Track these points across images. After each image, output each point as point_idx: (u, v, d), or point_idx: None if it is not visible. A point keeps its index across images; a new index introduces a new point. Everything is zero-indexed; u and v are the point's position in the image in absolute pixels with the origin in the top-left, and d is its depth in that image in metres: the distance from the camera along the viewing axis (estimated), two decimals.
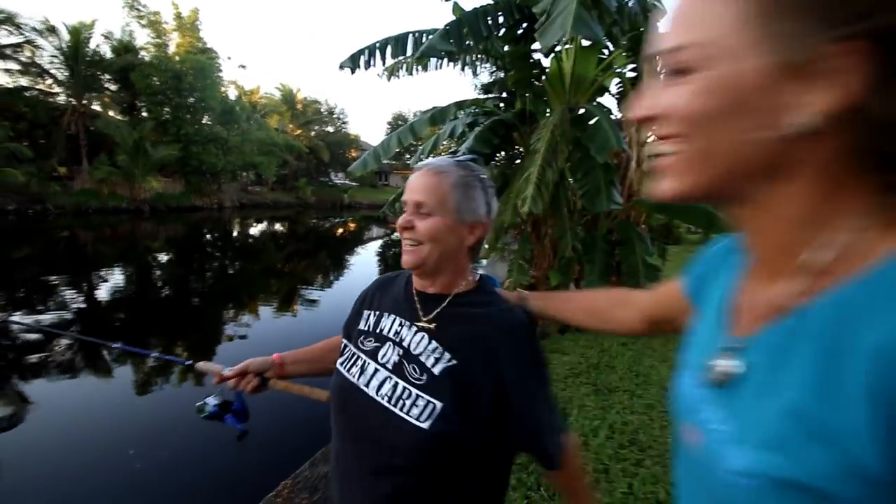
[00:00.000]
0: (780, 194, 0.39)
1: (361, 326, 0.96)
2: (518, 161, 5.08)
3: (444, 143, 5.33)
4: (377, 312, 0.96)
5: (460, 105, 5.23)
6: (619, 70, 4.83)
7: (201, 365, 1.15)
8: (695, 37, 0.38)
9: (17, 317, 6.49)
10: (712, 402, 0.45)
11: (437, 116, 5.16)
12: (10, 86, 21.27)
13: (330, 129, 42.75)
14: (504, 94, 5.64)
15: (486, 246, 5.69)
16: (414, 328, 0.88)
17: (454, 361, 0.80)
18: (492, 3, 3.89)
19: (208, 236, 19.27)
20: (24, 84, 21.89)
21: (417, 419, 0.77)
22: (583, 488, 0.90)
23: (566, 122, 3.78)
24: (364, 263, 14.33)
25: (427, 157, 4.49)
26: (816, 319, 0.38)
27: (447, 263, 0.88)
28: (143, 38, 26.02)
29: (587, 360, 3.94)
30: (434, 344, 0.84)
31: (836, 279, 0.38)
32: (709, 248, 0.64)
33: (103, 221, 19.77)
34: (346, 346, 0.98)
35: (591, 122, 3.79)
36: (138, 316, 7.43)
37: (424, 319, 0.88)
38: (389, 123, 42.88)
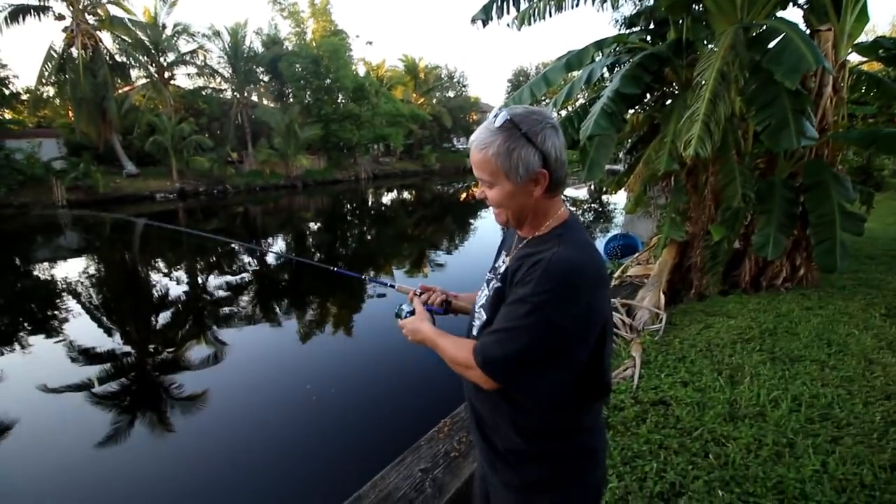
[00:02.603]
0: None
1: (494, 263, 1.16)
2: (669, 101, 4.47)
3: (582, 89, 4.92)
4: (500, 252, 1.17)
5: (599, 45, 4.73)
6: None
7: (401, 286, 1.41)
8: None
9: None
10: None
11: (572, 61, 4.75)
12: (192, 87, 25.80)
13: (451, 94, 43.12)
14: (651, 26, 4.96)
15: (634, 200, 5.23)
16: (505, 263, 1.06)
17: (499, 283, 1.00)
18: None
19: (350, 205, 21.37)
20: (201, 84, 26.29)
21: (472, 331, 1.09)
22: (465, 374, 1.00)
23: (741, 45, 3.16)
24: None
25: (560, 109, 4.19)
26: None
27: (526, 215, 0.99)
28: (285, 29, 28.95)
29: (760, 325, 3.44)
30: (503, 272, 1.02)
31: None
32: None
33: (266, 197, 23.20)
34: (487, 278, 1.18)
35: (776, 41, 3.10)
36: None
37: (510, 256, 1.05)
38: (510, 81, 41.46)
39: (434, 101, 40.38)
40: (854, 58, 4.33)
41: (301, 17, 28.49)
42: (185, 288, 8.11)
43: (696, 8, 4.11)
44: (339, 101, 28.96)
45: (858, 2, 3.98)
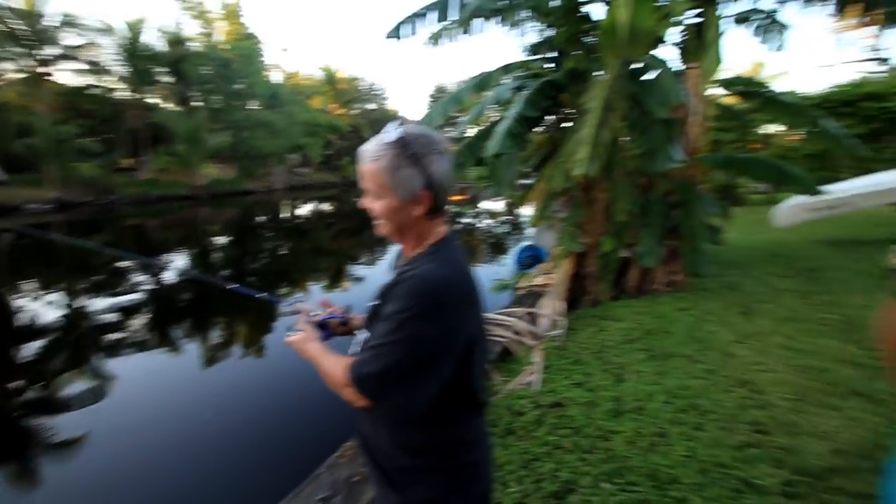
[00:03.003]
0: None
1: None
2: (567, 124, 4.87)
3: (490, 109, 5.19)
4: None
5: (507, 69, 5.05)
6: (678, 18, 4.46)
7: (298, 305, 1.35)
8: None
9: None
10: None
11: (483, 82, 5.02)
12: (79, 85, 22.85)
13: (371, 106, 42.96)
14: (553, 54, 5.38)
15: (536, 214, 5.58)
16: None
17: (377, 301, 1.00)
18: None
19: (261, 217, 20.21)
20: (92, 82, 23.42)
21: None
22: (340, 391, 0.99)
23: (622, 78, 3.56)
24: None
25: (472, 128, 4.42)
26: None
27: (406, 232, 1.02)
28: (192, 29, 26.95)
29: (642, 326, 3.82)
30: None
31: None
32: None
33: (166, 209, 21.14)
34: None
35: (650, 75, 3.54)
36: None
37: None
38: (431, 96, 42.38)
39: (354, 111, 39.93)
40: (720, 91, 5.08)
41: (209, 19, 26.73)
42: (60, 312, 7.06)
43: (588, 42, 4.55)
44: (251, 107, 27.50)
45: (717, 45, 4.69)
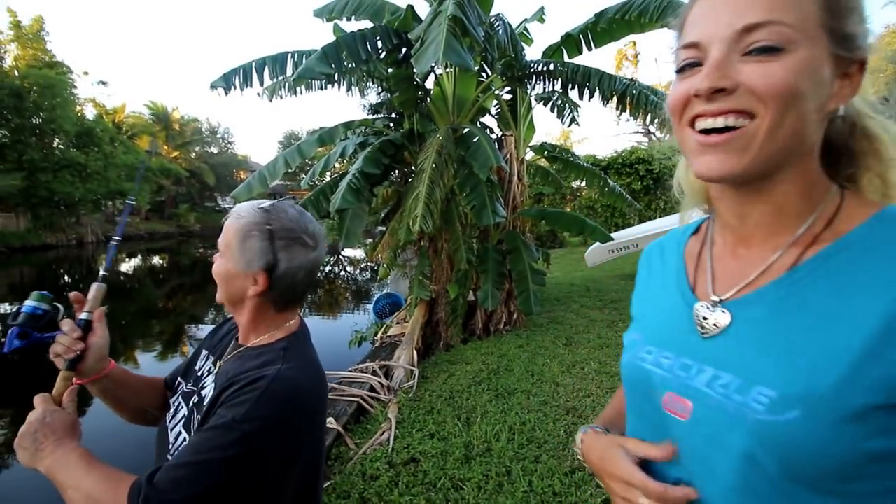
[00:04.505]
0: (794, 175, 0.49)
1: (195, 367, 1.01)
2: (410, 180, 5.19)
3: (337, 162, 5.25)
4: (208, 354, 1.01)
5: (348, 125, 5.22)
6: (496, 92, 5.22)
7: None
8: (788, 17, 0.44)
9: None
10: (707, 360, 0.51)
11: (324, 137, 5.09)
12: None
13: (214, 149, 39.50)
14: (393, 114, 5.75)
15: (386, 265, 5.70)
16: (213, 373, 0.94)
17: (204, 396, 0.87)
18: (370, 27, 3.96)
19: (66, 278, 16.51)
20: None
21: (165, 456, 0.86)
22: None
23: (450, 142, 3.97)
24: None
25: (321, 177, 4.40)
26: (815, 274, 0.47)
27: (240, 308, 0.90)
28: None
29: (488, 367, 4.10)
30: (212, 389, 0.88)
31: (822, 245, 0.48)
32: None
33: None
34: (179, 384, 1.02)
35: (473, 140, 4.02)
36: None
37: (219, 363, 0.94)
38: (281, 143, 40.85)
39: (193, 155, 36.17)
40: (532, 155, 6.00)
41: None
42: None
43: (423, 106, 4.98)
44: (53, 145, 22.84)
45: (528, 117, 5.59)
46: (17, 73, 21.57)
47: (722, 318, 0.51)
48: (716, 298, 0.53)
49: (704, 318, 0.53)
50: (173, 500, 0.68)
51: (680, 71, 0.50)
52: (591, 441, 0.65)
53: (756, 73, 0.44)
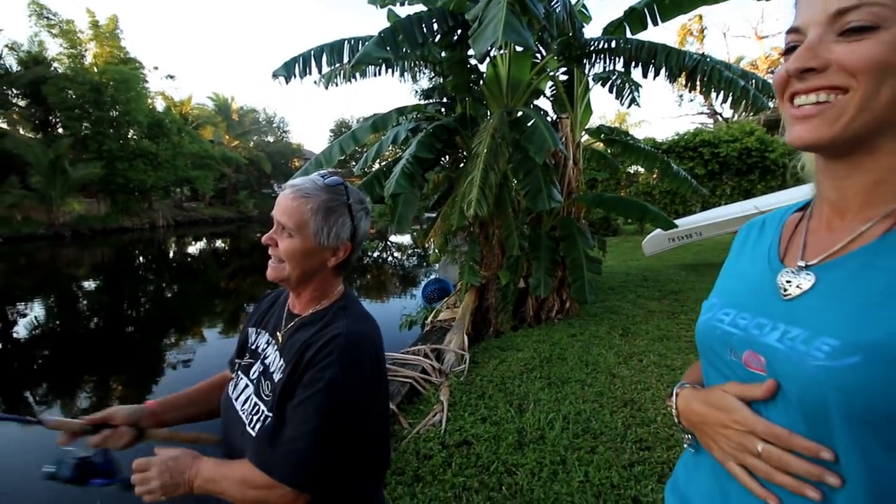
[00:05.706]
0: (893, 148, 0.50)
1: (249, 344, 1.06)
2: (462, 164, 5.15)
3: (389, 148, 5.30)
4: (257, 329, 1.06)
5: (401, 111, 5.23)
6: (552, 73, 5.03)
7: (52, 421, 0.92)
8: None
9: None
10: (781, 319, 0.54)
11: (378, 123, 5.13)
12: None
13: (270, 138, 41.22)
14: (444, 99, 5.70)
15: (437, 250, 5.72)
16: (273, 344, 0.97)
17: (282, 375, 0.88)
18: (425, 10, 3.92)
19: (141, 259, 17.98)
20: None
21: (240, 434, 0.90)
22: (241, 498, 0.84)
23: (505, 125, 3.88)
24: None
25: (373, 164, 4.45)
26: None
27: (309, 282, 0.94)
28: (55, 48, 23.81)
29: (540, 355, 4.05)
30: (280, 359, 0.92)
31: None
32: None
33: (16, 250, 17.88)
34: (236, 363, 1.06)
35: (529, 124, 3.91)
36: (60, 352, 6.79)
37: (279, 334, 0.97)
38: (332, 131, 41.97)
39: (251, 143, 37.94)
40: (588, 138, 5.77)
41: (79, 39, 23.81)
42: None
43: (476, 89, 4.90)
44: (129, 136, 24.73)
45: (585, 98, 5.35)
46: (95, 70, 23.40)
47: (805, 281, 0.54)
48: (802, 264, 0.56)
49: (788, 282, 0.56)
50: (303, 472, 0.80)
51: (786, 53, 0.54)
52: (690, 393, 0.67)
53: (846, 51, 0.47)
